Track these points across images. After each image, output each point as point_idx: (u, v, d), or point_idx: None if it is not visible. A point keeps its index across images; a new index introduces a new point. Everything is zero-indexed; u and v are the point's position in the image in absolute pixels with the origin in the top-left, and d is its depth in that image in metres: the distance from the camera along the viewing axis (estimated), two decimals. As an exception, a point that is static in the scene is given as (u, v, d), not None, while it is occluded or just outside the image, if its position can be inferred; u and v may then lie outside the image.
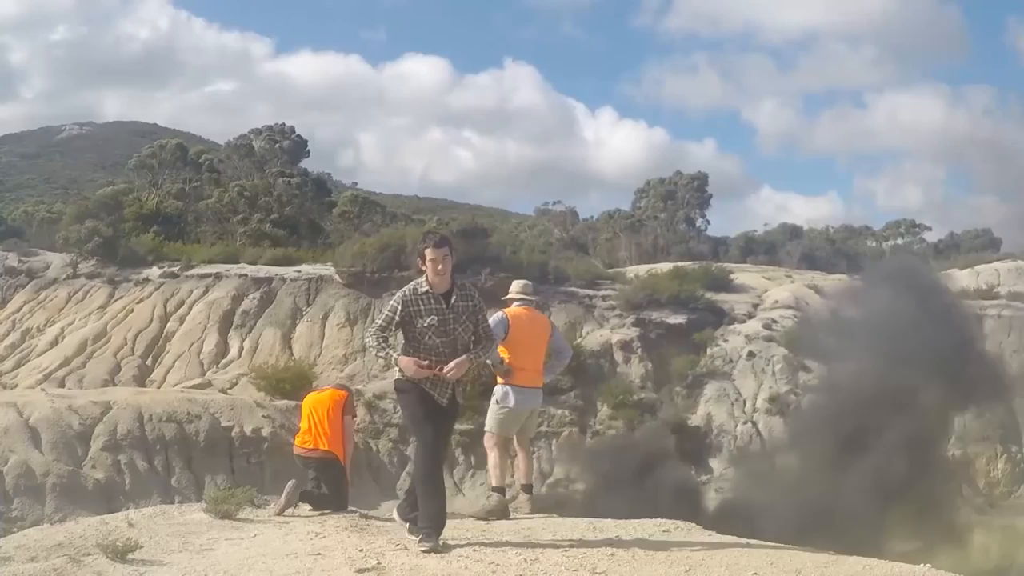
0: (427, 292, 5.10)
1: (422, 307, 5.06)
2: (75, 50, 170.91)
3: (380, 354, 5.18)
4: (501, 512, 6.67)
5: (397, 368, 5.22)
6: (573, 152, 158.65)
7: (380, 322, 5.15)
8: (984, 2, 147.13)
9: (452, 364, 5.02)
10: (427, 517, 5.00)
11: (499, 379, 6.98)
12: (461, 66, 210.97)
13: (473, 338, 5.20)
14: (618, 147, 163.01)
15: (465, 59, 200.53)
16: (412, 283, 5.19)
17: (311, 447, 7.04)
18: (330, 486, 6.89)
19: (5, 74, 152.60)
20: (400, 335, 5.24)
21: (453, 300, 5.12)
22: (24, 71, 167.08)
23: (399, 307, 5.08)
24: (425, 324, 5.06)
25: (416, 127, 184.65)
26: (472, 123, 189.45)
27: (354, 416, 7.68)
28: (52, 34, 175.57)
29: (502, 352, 6.88)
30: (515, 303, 7.22)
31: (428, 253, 5.06)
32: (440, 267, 5.04)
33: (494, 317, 6.93)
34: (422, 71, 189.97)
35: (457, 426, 17.15)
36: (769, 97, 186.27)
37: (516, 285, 7.37)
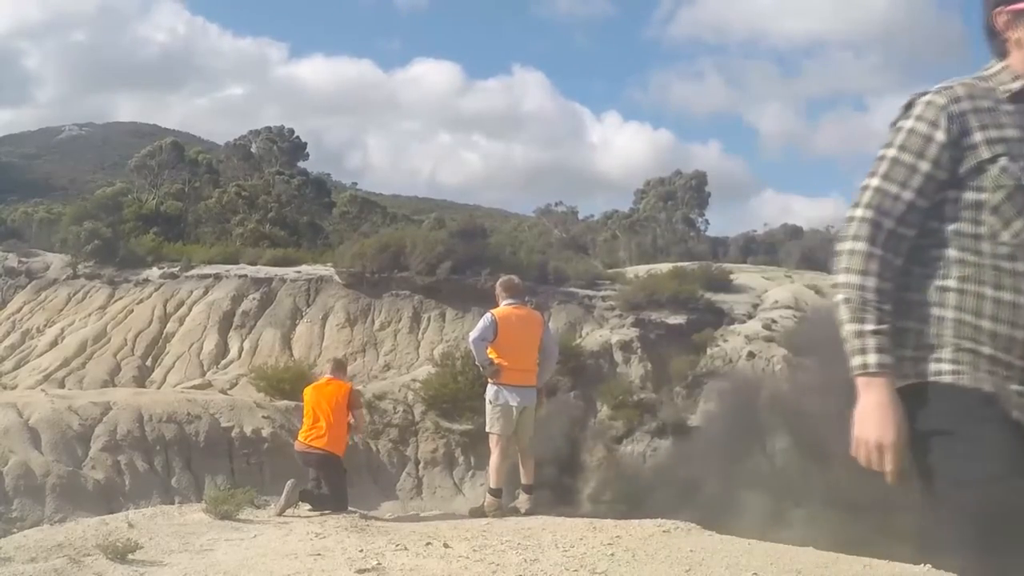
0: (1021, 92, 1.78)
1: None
2: (91, 55, 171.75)
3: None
4: (494, 513, 6.67)
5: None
6: (579, 155, 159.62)
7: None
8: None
9: None
10: None
11: (489, 380, 6.97)
12: (472, 72, 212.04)
13: None
14: (623, 149, 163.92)
15: (476, 65, 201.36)
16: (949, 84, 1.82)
17: (312, 444, 7.04)
18: (330, 485, 6.88)
19: (21, 78, 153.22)
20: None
21: None
22: (40, 75, 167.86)
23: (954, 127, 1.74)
24: None
25: (425, 130, 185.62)
26: (481, 127, 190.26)
27: (361, 408, 7.66)
28: (69, 39, 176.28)
29: (491, 353, 6.86)
30: (504, 302, 7.14)
31: None
32: None
33: (482, 320, 6.91)
34: (433, 76, 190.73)
35: (457, 426, 16.77)
36: (773, 101, 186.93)
37: (504, 281, 7.27)
